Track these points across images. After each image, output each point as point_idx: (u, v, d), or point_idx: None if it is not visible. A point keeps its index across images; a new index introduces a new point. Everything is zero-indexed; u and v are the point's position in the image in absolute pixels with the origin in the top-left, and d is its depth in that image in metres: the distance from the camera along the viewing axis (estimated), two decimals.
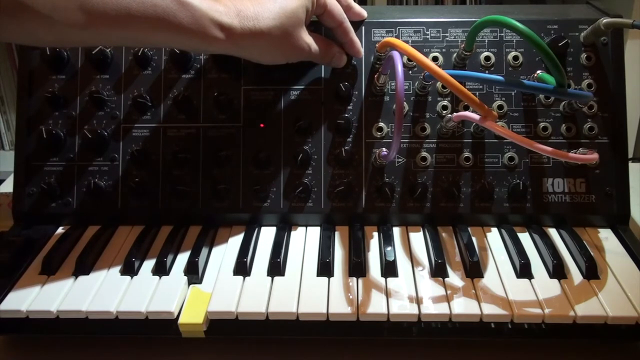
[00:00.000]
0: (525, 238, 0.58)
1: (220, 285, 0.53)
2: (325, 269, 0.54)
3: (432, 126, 0.60)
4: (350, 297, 0.51)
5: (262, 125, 0.61)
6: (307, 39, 0.55)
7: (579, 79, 0.60)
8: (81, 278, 0.54)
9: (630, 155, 0.65)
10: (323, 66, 0.61)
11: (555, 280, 0.52)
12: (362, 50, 0.60)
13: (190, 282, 0.54)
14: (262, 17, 0.50)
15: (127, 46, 0.62)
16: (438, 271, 0.53)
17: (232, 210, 0.60)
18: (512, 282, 0.52)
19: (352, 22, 0.59)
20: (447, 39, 0.61)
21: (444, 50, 0.61)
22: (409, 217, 0.60)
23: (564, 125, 0.60)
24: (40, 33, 0.45)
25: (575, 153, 0.54)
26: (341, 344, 0.54)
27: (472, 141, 0.60)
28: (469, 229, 0.59)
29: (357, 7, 0.61)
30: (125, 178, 0.61)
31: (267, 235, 0.60)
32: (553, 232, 0.59)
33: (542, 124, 0.59)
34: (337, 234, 0.60)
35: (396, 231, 0.60)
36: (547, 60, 0.47)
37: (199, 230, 0.60)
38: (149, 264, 0.55)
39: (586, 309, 0.49)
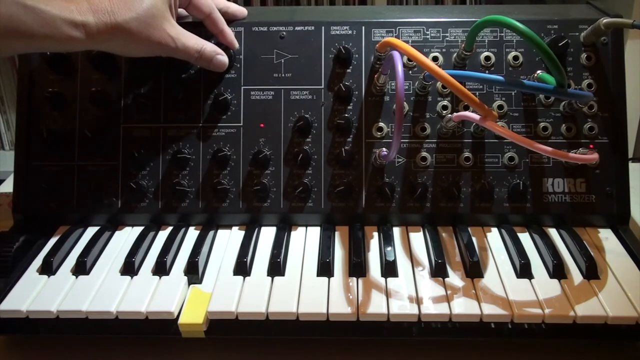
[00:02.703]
0: (525, 238, 0.58)
1: (220, 285, 0.53)
2: (325, 269, 0.54)
3: (432, 126, 0.60)
4: (350, 297, 0.51)
5: (262, 125, 0.61)
6: (172, 32, 0.53)
7: (579, 79, 0.60)
8: (81, 278, 0.54)
9: (630, 155, 0.65)
10: (323, 66, 0.61)
11: (555, 280, 0.52)
12: (235, 41, 0.60)
13: (190, 282, 0.54)
14: (118, 9, 0.49)
15: None
16: (438, 271, 0.53)
17: (232, 211, 0.60)
18: (512, 282, 0.52)
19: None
20: (447, 39, 0.61)
21: (444, 50, 0.61)
22: (409, 217, 0.60)
23: (564, 125, 0.60)
24: None
25: (575, 153, 0.54)
26: (341, 344, 0.54)
27: (472, 141, 0.60)
28: (469, 229, 0.59)
29: (234, 6, 0.60)
30: (125, 178, 0.61)
31: (267, 235, 0.60)
32: (553, 232, 0.59)
33: (542, 124, 0.59)
34: (337, 234, 0.60)
35: (396, 231, 0.60)
36: (547, 60, 0.47)
37: (199, 230, 0.60)
38: (149, 264, 0.56)
39: (586, 309, 0.49)
